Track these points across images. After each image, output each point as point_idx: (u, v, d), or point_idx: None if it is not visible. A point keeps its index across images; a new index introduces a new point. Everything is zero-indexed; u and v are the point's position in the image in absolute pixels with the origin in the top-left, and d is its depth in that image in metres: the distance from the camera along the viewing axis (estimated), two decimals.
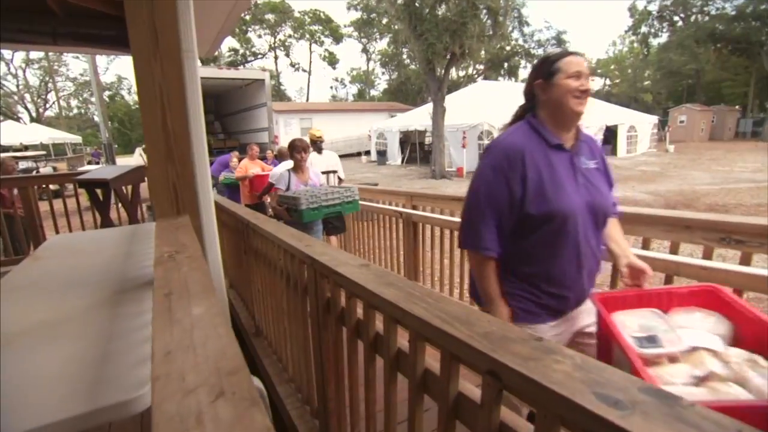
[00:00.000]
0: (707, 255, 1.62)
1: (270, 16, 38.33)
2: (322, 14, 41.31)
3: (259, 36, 40.03)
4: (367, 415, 1.20)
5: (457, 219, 2.74)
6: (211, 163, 7.62)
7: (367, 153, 23.20)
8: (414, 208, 3.19)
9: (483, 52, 24.98)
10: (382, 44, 42.10)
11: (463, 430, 0.80)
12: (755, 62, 26.85)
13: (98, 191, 3.83)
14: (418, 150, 20.00)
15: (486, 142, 14.96)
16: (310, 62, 46.11)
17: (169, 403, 0.46)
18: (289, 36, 41.79)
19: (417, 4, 13.31)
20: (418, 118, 18.62)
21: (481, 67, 32.85)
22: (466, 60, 14.31)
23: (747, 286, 1.50)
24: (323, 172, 4.15)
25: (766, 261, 1.84)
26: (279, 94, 43.24)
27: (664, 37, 32.43)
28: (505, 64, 32.68)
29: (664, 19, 31.47)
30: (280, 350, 2.26)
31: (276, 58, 42.93)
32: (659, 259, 1.73)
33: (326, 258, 1.23)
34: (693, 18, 29.05)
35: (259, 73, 10.95)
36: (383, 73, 46.77)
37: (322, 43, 43.69)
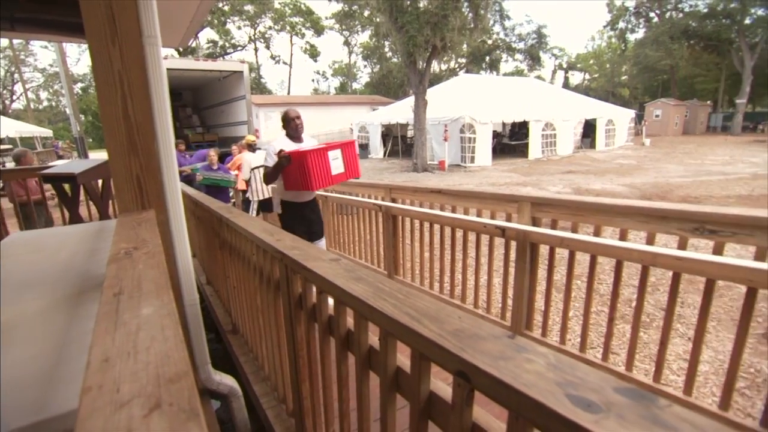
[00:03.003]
0: (682, 245, 1.63)
1: (249, 8, 37.46)
2: (302, 6, 40.58)
3: (239, 27, 39.09)
4: (341, 413, 1.16)
5: (437, 211, 2.72)
6: (190, 156, 7.44)
7: None
8: (393, 201, 3.15)
9: (465, 46, 25.01)
10: (363, 37, 41.79)
11: (436, 429, 0.77)
12: (725, 59, 27.61)
13: (66, 186, 3.67)
14: (400, 143, 19.94)
15: (468, 135, 15.01)
16: (291, 55, 45.28)
17: (96, 419, 0.40)
18: (270, 28, 40.95)
19: None
20: (400, 111, 18.52)
21: (463, 60, 32.89)
22: (447, 53, 14.26)
23: (719, 275, 1.52)
24: (255, 168, 5.62)
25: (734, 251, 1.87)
26: (259, 87, 42.45)
27: (640, 33, 33.01)
28: (487, 58, 32.76)
29: (640, 15, 31.99)
30: (256, 348, 2.20)
31: (256, 50, 42.07)
32: (636, 249, 1.73)
33: (296, 253, 1.18)
34: (668, 14, 29.57)
35: (237, 65, 10.69)
36: (365, 66, 46.44)
37: (303, 36, 42.98)
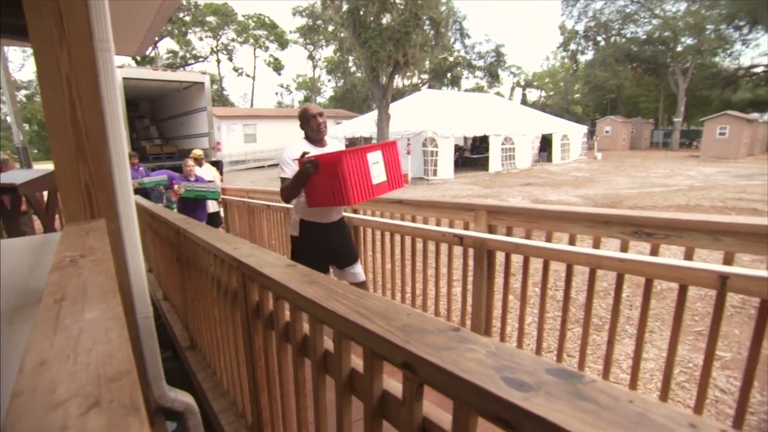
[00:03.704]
0: (624, 248, 1.74)
1: (212, 19, 36.88)
2: (266, 19, 40.42)
3: (201, 38, 38.33)
4: (299, 421, 1.15)
5: (398, 221, 2.76)
6: (153, 170, 7.13)
7: None
8: (355, 212, 3.16)
9: (427, 62, 25.73)
10: (328, 51, 42.02)
11: (392, 429, 0.78)
12: (663, 81, 29.99)
13: (5, 198, 3.44)
14: None
15: (430, 149, 15.33)
16: (255, 67, 44.83)
17: (26, 420, 0.39)
18: (232, 40, 40.45)
19: (361, 13, 13.44)
20: (364, 125, 18.73)
21: (426, 76, 33.77)
22: (409, 69, 14.62)
23: (655, 275, 1.63)
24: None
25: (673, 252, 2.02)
26: (221, 99, 41.64)
27: (590, 55, 35.21)
28: (449, 74, 33.78)
29: (589, 39, 34.17)
30: (215, 362, 2.13)
31: (218, 61, 41.35)
32: (584, 253, 1.84)
33: (252, 260, 1.17)
34: (612, 39, 31.86)
35: (198, 76, 10.47)
36: (329, 81, 46.60)
37: (266, 49, 42.74)
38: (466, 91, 33.11)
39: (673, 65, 27.43)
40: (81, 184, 1.50)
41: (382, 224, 2.89)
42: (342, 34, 17.65)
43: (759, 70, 29.77)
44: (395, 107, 17.24)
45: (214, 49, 40.04)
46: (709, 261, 1.59)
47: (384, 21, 13.71)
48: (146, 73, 10.20)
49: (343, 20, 14.27)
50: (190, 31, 36.43)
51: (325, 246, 2.48)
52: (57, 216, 4.04)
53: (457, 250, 2.42)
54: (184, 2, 32.89)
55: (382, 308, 0.71)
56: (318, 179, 2.15)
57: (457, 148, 17.15)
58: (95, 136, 1.52)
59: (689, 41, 26.97)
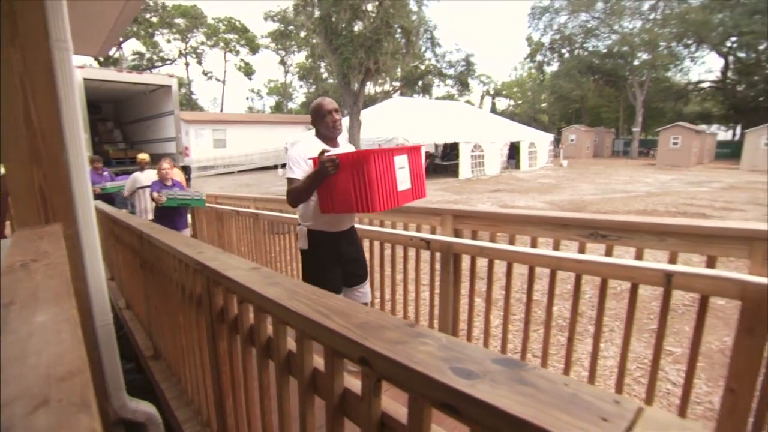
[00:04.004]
0: (581, 249, 1.83)
1: (180, 21, 35.99)
2: (237, 23, 39.85)
3: (168, 41, 37.29)
4: (264, 424, 1.14)
5: (366, 226, 2.77)
6: (118, 174, 6.84)
7: (284, 166, 22.71)
8: None
9: (398, 70, 26.02)
10: (300, 57, 41.82)
11: (354, 428, 0.79)
12: (622, 93, 31.60)
13: None
14: None
15: None
16: (225, 71, 44.11)
17: None
18: (202, 43, 39.59)
19: (333, 19, 13.49)
20: None
21: (398, 83, 34.15)
22: (381, 76, 14.78)
23: (609, 274, 1.72)
24: (142, 187, 5.10)
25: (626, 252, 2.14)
26: (190, 103, 40.63)
27: (555, 66, 36.61)
28: (420, 82, 34.28)
29: (554, 51, 35.55)
30: (179, 371, 2.08)
31: (187, 65, 40.34)
32: (545, 255, 1.91)
33: (216, 263, 1.17)
34: (576, 52, 33.33)
35: (165, 79, 10.19)
36: (301, 86, 46.32)
37: (237, 53, 42.07)
38: (437, 98, 33.69)
39: (631, 78, 28.98)
40: (34, 187, 1.44)
41: None
42: (314, 40, 17.62)
43: (705, 85, 31.94)
44: (367, 114, 17.34)
45: (183, 52, 39.09)
46: (663, 261, 1.69)
47: (356, 28, 13.82)
48: (110, 74, 9.84)
49: (315, 26, 14.28)
50: (157, 32, 35.42)
51: (339, 257, 2.20)
52: (9, 223, 3.83)
53: (425, 254, 2.47)
54: (151, 3, 31.97)
55: (343, 307, 0.73)
56: (337, 181, 1.88)
57: (428, 155, 17.40)
58: (51, 138, 1.47)
59: (645, 56, 28.59)
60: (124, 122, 12.50)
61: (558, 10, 32.37)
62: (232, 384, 1.32)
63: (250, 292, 0.93)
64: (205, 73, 41.93)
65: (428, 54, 30.42)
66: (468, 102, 36.90)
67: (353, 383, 0.79)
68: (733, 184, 14.03)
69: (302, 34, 28.88)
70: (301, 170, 2.02)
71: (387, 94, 32.04)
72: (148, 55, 36.30)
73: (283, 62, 43.45)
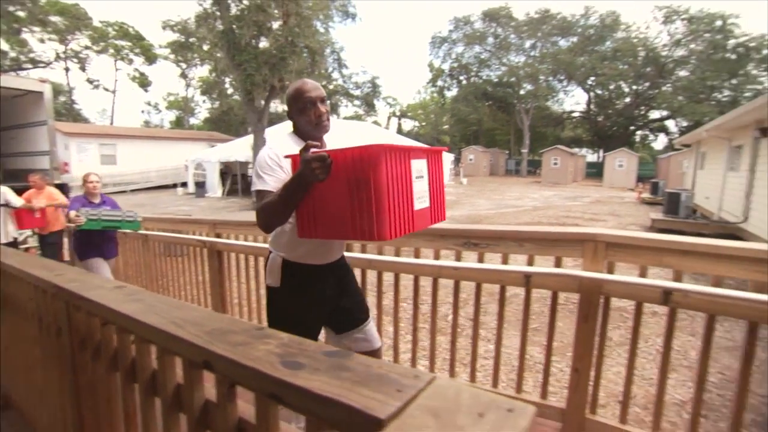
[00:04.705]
0: (458, 258, 2.03)
1: (57, 19, 31.94)
2: (131, 29, 36.63)
3: (42, 40, 32.81)
4: None
5: (261, 244, 2.73)
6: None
7: (184, 185, 21.24)
8: (218, 236, 3.05)
9: None
10: (203, 71, 39.67)
11: None
12: (512, 118, 35.49)
13: None
14: (240, 181, 19.39)
15: None
16: (116, 81, 39.98)
17: None
18: (86, 47, 35.54)
19: (237, 34, 13.14)
20: (240, 148, 18.20)
21: None
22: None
23: (482, 279, 1.94)
24: None
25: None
26: (72, 114, 36.03)
27: (455, 91, 39.67)
28: (328, 102, 34.60)
29: (453, 77, 38.61)
30: (35, 419, 1.82)
31: (67, 70, 35.83)
32: (427, 265, 2.08)
33: (76, 285, 1.09)
34: (472, 79, 36.69)
35: (35, 84, 8.93)
36: (204, 101, 43.83)
37: (130, 62, 38.51)
38: (345, 118, 34.31)
39: (519, 105, 32.72)
40: None
41: (246, 247, 2.83)
42: (218, 54, 16.92)
43: (576, 115, 37.39)
44: (273, 131, 17.06)
45: (61, 55, 34.69)
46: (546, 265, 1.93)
47: (262, 45, 13.61)
48: None
49: (218, 40, 13.76)
50: (25, 29, 30.98)
51: (322, 301, 1.61)
52: None
53: None
54: None
55: (199, 317, 0.75)
56: (328, 190, 1.29)
57: None
58: None
59: (529, 87, 32.52)
60: None
61: (455, 41, 35.44)
62: (97, 418, 1.22)
63: (109, 311, 0.89)
64: (90, 81, 37.63)
65: (335, 74, 31.04)
66: (375, 123, 38.20)
67: (213, 393, 0.80)
68: (599, 198, 16.47)
69: (205, 47, 27.54)
70: (275, 178, 1.43)
71: None
72: (12, 55, 31.51)
73: (184, 75, 40.77)
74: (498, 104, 35.58)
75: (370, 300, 2.23)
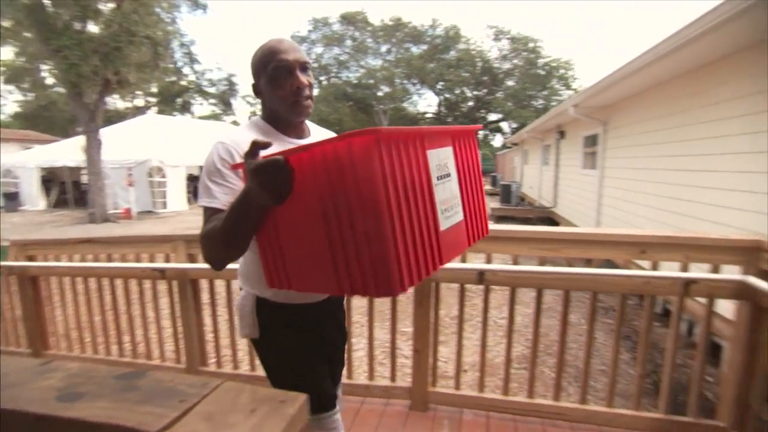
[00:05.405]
0: None
1: None
2: None
3: None
4: None
5: (90, 264, 2.38)
6: None
7: None
8: (31, 259, 2.54)
9: (155, 84, 23.18)
10: (6, 53, 31.85)
11: None
12: (372, 118, 37.37)
13: None
14: (72, 190, 16.25)
15: (157, 179, 13.83)
16: None
17: None
18: None
19: (49, 12, 10.90)
20: (69, 151, 15.04)
21: (154, 99, 30.40)
22: (124, 88, 12.74)
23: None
24: None
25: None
26: None
27: (316, 92, 39.91)
28: (179, 99, 31.45)
29: (313, 77, 38.89)
30: None
31: None
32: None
33: None
34: (331, 80, 37.41)
35: None
36: (11, 92, 35.31)
37: None
38: (200, 118, 31.59)
39: (377, 106, 34.59)
40: None
41: (69, 269, 2.43)
42: (26, 34, 13.71)
43: (429, 116, 41.30)
44: (112, 132, 14.75)
45: None
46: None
47: (90, 29, 11.55)
48: None
49: (21, 16, 11.23)
50: None
51: (321, 344, 1.20)
52: None
53: (162, 285, 2.30)
54: None
55: None
56: (293, 218, 0.82)
57: (192, 178, 16.03)
58: None
59: (386, 89, 34.61)
60: None
61: (314, 41, 35.68)
62: None
63: None
64: None
65: (186, 70, 28.30)
66: (234, 123, 36.08)
67: None
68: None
69: (5, 23, 22.13)
70: (226, 189, 0.98)
71: (140, 110, 28.04)
72: None
73: None
74: (358, 105, 37.05)
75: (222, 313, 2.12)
